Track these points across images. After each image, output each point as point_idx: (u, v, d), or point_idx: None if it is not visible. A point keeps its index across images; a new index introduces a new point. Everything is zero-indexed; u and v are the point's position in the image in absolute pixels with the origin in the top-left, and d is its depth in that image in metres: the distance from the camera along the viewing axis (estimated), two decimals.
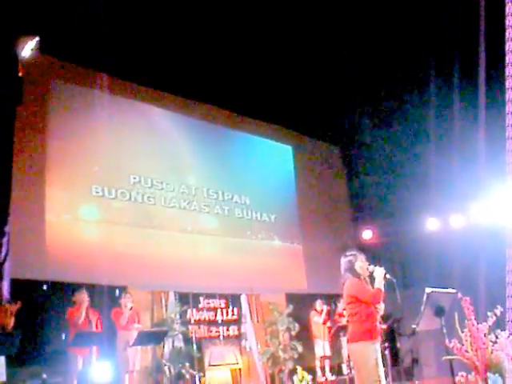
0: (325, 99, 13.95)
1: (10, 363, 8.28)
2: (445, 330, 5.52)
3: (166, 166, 12.72)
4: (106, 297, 10.58)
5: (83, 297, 9.18)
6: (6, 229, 9.08)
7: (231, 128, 14.47)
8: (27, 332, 8.66)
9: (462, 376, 5.36)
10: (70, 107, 11.31)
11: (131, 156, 12.08)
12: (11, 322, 8.45)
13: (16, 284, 9.14)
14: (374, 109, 14.34)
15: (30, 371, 8.99)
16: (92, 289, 10.00)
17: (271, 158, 15.30)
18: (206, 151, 13.49)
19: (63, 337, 9.12)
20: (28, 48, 9.67)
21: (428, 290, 5.54)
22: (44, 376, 7.71)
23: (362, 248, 13.45)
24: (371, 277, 5.75)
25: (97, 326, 9.26)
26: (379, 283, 5.61)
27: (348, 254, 5.91)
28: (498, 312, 5.38)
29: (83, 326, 8.95)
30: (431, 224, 14.89)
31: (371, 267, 5.76)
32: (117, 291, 10.39)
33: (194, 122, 13.56)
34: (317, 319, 12.73)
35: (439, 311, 5.61)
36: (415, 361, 14.02)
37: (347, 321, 5.94)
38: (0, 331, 8.28)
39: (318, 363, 12.65)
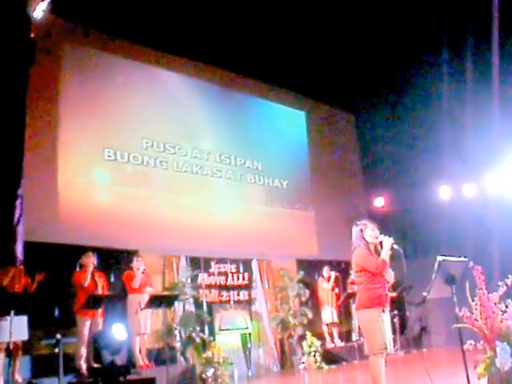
0: (339, 66, 13.80)
1: (29, 324, 8.47)
2: (455, 299, 5.51)
3: (178, 130, 12.68)
4: (118, 260, 10.67)
5: (89, 260, 9.24)
6: (20, 192, 9.11)
7: (245, 93, 14.39)
8: (42, 294, 8.79)
9: (471, 344, 5.35)
10: (83, 70, 11.27)
11: (144, 120, 12.05)
12: (33, 286, 8.60)
13: (29, 246, 9.21)
14: (388, 76, 14.16)
15: (45, 331, 9.17)
16: (104, 252, 10.07)
17: (284, 124, 15.22)
18: (219, 116, 13.44)
19: (74, 299, 9.20)
20: (40, 9, 9.58)
21: (439, 258, 5.52)
22: (58, 336, 7.82)
23: (374, 215, 13.49)
24: (381, 245, 5.75)
25: (103, 288, 9.33)
26: (385, 254, 5.64)
27: (359, 222, 5.93)
28: (508, 282, 5.35)
29: (90, 288, 9.03)
30: (444, 192, 14.80)
31: (381, 236, 5.77)
32: (128, 255, 10.44)
33: (208, 86, 13.49)
34: (325, 285, 12.79)
35: (450, 280, 5.59)
36: (424, 329, 14.12)
37: (357, 288, 5.97)
38: (22, 292, 8.43)
39: (325, 329, 12.73)
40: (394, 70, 13.87)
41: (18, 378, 8.26)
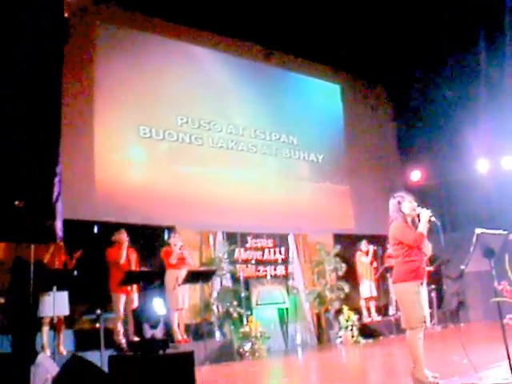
0: (374, 39, 13.58)
1: (70, 299, 8.68)
2: (494, 272, 5.45)
3: (213, 106, 12.68)
4: (155, 237, 10.77)
5: (122, 236, 9.34)
6: (58, 169, 9.21)
7: (279, 67, 14.29)
8: (82, 270, 8.96)
9: (510, 319, 5.31)
10: (117, 48, 11.33)
11: (178, 97, 12.08)
12: (72, 263, 8.78)
13: (66, 224, 9.34)
14: (424, 49, 13.89)
15: (86, 307, 9.36)
16: (141, 229, 10.17)
17: (319, 98, 15.10)
18: (253, 91, 13.41)
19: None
20: None
21: (478, 230, 5.44)
22: (98, 311, 7.99)
23: (410, 189, 13.31)
24: (419, 218, 5.70)
25: (136, 265, 9.46)
26: (423, 226, 5.58)
27: (396, 195, 5.88)
28: None
29: (124, 265, 9.16)
30: (482, 165, 14.53)
31: (418, 209, 5.71)
32: (165, 231, 10.53)
33: (242, 61, 13.44)
34: (363, 259, 12.74)
35: (489, 253, 5.51)
36: (461, 303, 14.01)
37: (394, 262, 5.94)
38: (61, 268, 8.60)
39: (363, 303, 12.73)
40: (429, 42, 13.59)
41: (63, 350, 8.50)
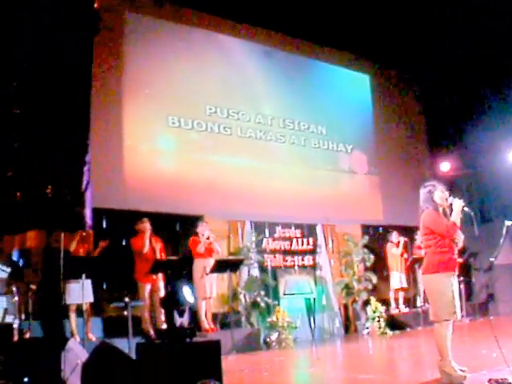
0: (404, 28, 13.43)
1: (97, 287, 8.79)
2: None
3: (241, 96, 12.68)
4: (184, 226, 10.83)
5: (145, 225, 9.35)
6: (87, 158, 9.31)
7: (308, 57, 14.22)
8: (109, 259, 9.05)
9: None
10: (146, 39, 11.37)
11: (207, 87, 12.09)
12: (96, 251, 8.88)
13: (95, 212, 9.44)
14: (453, 38, 13.67)
15: (114, 295, 9.45)
16: (169, 218, 10.23)
17: (348, 88, 15.00)
18: (282, 81, 13.36)
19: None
20: None
21: (508, 222, 5.38)
22: (126, 299, 8.07)
23: (440, 180, 13.17)
24: (450, 208, 5.61)
25: (161, 254, 9.47)
26: (455, 216, 5.47)
27: (427, 184, 5.78)
28: None
29: (148, 254, 9.20)
30: None
31: (450, 198, 5.61)
32: (194, 220, 10.57)
33: (270, 51, 13.39)
34: (394, 251, 12.65)
35: None
36: (490, 296, 13.84)
37: (424, 252, 5.86)
38: (86, 256, 8.70)
39: (392, 295, 12.66)
40: (459, 31, 13.38)
41: (92, 337, 8.60)
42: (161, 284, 9.24)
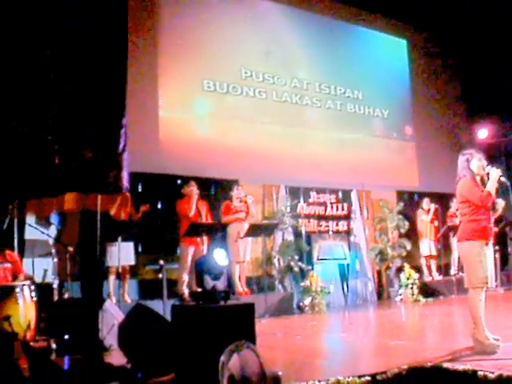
0: None
1: (135, 250, 8.93)
2: None
3: (277, 60, 12.57)
4: (218, 189, 10.88)
5: (192, 189, 9.39)
6: (124, 121, 9.36)
7: (345, 21, 14.02)
8: (146, 222, 9.17)
9: None
10: (180, 3, 11.31)
11: (242, 50, 12.03)
12: (138, 216, 8.99)
13: (132, 176, 9.53)
14: (493, 4, 13.29)
15: (150, 258, 9.60)
16: (204, 182, 10.28)
17: (385, 52, 14.78)
18: (318, 45, 13.21)
19: (177, 227, 9.51)
20: None
21: None
22: (161, 262, 8.17)
23: (477, 147, 13.00)
24: (488, 177, 5.56)
25: (207, 217, 9.55)
26: (491, 186, 5.44)
27: (465, 152, 5.74)
28: None
29: (194, 217, 9.26)
30: None
31: (488, 167, 5.56)
32: (228, 184, 10.61)
33: (306, 14, 13.22)
34: (424, 218, 12.58)
35: None
36: None
37: (459, 220, 5.85)
38: (127, 219, 8.83)
39: (423, 262, 12.63)
40: None
41: (127, 299, 8.78)
42: (204, 248, 9.32)
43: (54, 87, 6.72)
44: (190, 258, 9.19)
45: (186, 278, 9.17)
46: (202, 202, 9.61)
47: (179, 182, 10.02)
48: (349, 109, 13.57)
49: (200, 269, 5.27)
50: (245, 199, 10.06)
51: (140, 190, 9.85)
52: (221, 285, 5.22)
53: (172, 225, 9.67)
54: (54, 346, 5.79)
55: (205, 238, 8.99)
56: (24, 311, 6.27)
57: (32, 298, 6.52)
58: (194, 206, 9.28)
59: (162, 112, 10.70)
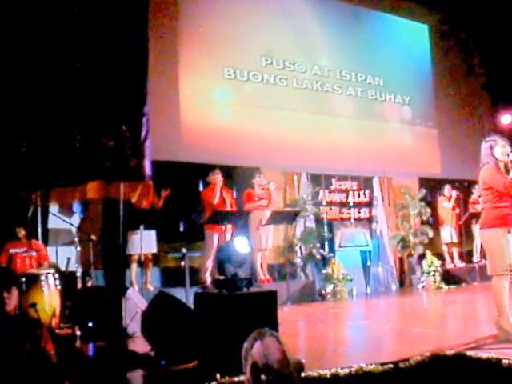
0: None
1: (157, 238, 8.97)
2: None
3: (297, 46, 12.52)
4: (240, 177, 10.89)
5: (217, 177, 9.44)
6: (145, 109, 9.37)
7: (365, 6, 13.88)
8: (169, 211, 9.21)
9: None
10: None
11: (262, 37, 11.99)
12: (160, 203, 9.03)
13: (154, 164, 9.56)
14: None
15: (172, 246, 9.65)
16: (225, 169, 10.29)
17: (406, 38, 14.62)
18: (338, 31, 13.12)
19: (200, 215, 9.54)
20: None
21: None
22: (184, 250, 8.21)
23: (500, 133, 12.83)
24: None
25: (231, 205, 9.58)
26: None
27: (488, 138, 5.68)
28: None
29: (218, 205, 9.29)
30: None
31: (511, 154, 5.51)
32: (250, 172, 10.61)
33: (327, 1, 13.15)
34: (445, 204, 12.49)
35: None
36: None
37: (482, 207, 5.81)
38: (149, 208, 8.87)
39: (445, 249, 12.56)
40: None
41: (150, 287, 8.83)
42: (228, 235, 9.35)
43: (76, 77, 6.75)
44: (214, 245, 9.23)
45: (209, 265, 9.21)
46: (228, 191, 9.65)
47: (200, 169, 10.04)
48: (370, 95, 13.48)
49: (222, 256, 5.29)
50: (267, 187, 10.07)
51: (162, 178, 9.90)
52: (243, 272, 5.24)
53: (193, 212, 9.71)
54: (78, 333, 5.87)
55: (229, 226, 9.02)
56: (49, 299, 6.36)
57: (56, 286, 6.60)
58: (217, 194, 9.32)
59: (182, 100, 10.72)
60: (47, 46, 6.78)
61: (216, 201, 9.28)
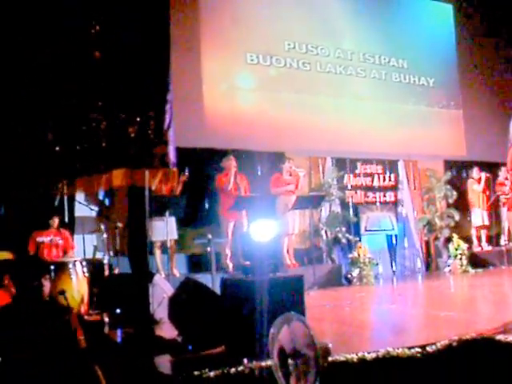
0: None
1: (180, 224, 9.01)
2: None
3: (320, 30, 12.42)
4: (265, 163, 10.88)
5: (230, 163, 9.42)
6: (169, 97, 9.39)
7: None
8: (192, 197, 9.23)
9: None
10: None
11: (285, 22, 11.91)
12: (179, 188, 9.05)
13: (177, 151, 9.59)
14: None
15: (197, 232, 9.69)
16: (250, 155, 10.30)
17: (430, 18, 14.38)
18: (360, 13, 12.97)
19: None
20: None
21: None
22: (209, 236, 8.23)
23: None
24: None
25: (245, 190, 9.55)
26: None
27: None
28: None
29: (232, 191, 9.30)
30: None
31: None
32: (275, 157, 10.60)
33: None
34: (475, 187, 12.33)
35: None
36: None
37: (510, 188, 5.73)
38: (169, 194, 8.90)
39: (474, 232, 12.41)
40: None
41: (176, 272, 8.88)
42: (244, 221, 9.37)
43: (100, 65, 6.79)
44: (230, 232, 9.26)
45: (228, 251, 9.25)
46: (242, 177, 9.62)
47: (224, 155, 10.05)
48: (394, 78, 13.34)
49: (246, 242, 5.30)
50: (296, 172, 10.07)
51: (185, 165, 9.93)
52: (269, 257, 5.24)
53: (217, 200, 9.75)
54: (106, 319, 5.93)
55: (244, 213, 9.03)
56: (77, 286, 6.44)
57: (84, 273, 6.67)
58: (232, 180, 9.32)
59: (205, 86, 10.72)
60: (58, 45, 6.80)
61: (230, 186, 9.28)
